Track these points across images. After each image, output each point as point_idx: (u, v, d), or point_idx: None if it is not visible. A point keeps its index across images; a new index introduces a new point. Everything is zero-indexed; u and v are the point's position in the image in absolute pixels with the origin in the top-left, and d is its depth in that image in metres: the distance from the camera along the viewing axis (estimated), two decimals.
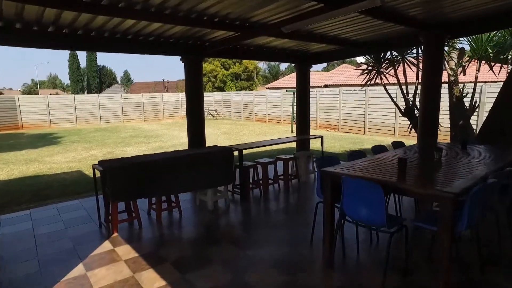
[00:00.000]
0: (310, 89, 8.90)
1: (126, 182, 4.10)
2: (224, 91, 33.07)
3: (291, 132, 16.30)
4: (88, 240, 4.04)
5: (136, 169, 4.17)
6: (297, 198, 5.70)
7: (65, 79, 68.89)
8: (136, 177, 4.17)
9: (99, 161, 4.33)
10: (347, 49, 7.20)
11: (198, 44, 6.19)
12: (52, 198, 6.03)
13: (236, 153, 5.47)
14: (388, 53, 7.40)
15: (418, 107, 7.10)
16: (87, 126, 23.06)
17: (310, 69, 8.57)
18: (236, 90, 33.18)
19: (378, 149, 4.98)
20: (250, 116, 23.85)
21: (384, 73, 7.71)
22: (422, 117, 5.64)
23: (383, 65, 7.59)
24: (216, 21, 4.69)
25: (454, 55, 6.98)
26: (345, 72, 26.16)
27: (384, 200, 2.63)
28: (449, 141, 7.07)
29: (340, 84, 21.54)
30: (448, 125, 7.20)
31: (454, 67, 6.99)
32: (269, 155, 9.73)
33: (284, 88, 23.38)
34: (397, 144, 5.23)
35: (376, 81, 7.87)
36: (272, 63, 49.36)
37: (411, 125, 7.41)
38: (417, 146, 5.21)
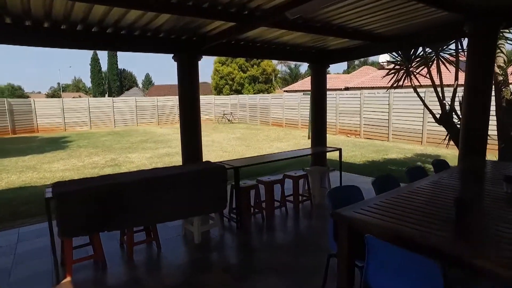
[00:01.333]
0: (329, 92, 7.82)
1: (80, 212, 3.19)
2: (242, 94, 32.23)
3: (308, 138, 15.17)
4: (32, 286, 3.15)
5: (95, 195, 3.25)
6: (307, 227, 4.65)
7: (88, 82, 70.14)
8: (94, 205, 3.25)
9: (53, 184, 3.44)
10: (370, 45, 6.10)
11: (194, 40, 5.27)
12: (23, 218, 5.23)
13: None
14: (420, 49, 6.22)
15: (458, 113, 5.91)
16: (101, 129, 22.72)
17: (328, 70, 7.50)
18: (254, 93, 32.27)
19: (439, 166, 3.87)
20: (267, 120, 22.85)
21: (415, 73, 6.54)
22: (465, 127, 4.47)
23: (413, 64, 6.42)
24: (207, 7, 3.74)
25: (504, 49, 5.73)
26: (367, 74, 24.76)
27: (441, 280, 1.55)
28: (497, 156, 5.81)
29: (362, 87, 20.22)
30: (495, 135, 5.93)
31: (503, 64, 5.75)
32: (277, 167, 8.67)
33: (303, 91, 22.25)
34: (439, 165, 4.04)
35: (405, 82, 6.71)
36: (292, 65, 48.17)
37: (448, 135, 6.20)
38: (465, 167, 4.05)
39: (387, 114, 14.27)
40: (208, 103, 27.23)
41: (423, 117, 12.76)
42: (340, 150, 5.72)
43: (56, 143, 15.84)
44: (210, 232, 4.30)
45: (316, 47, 6.68)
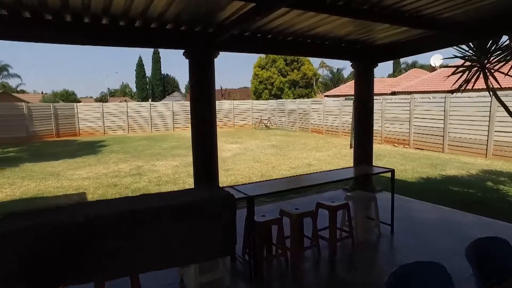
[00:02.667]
0: (374, 97, 6.52)
1: (24, 259, 2.29)
2: (281, 98, 31.15)
3: (351, 147, 13.71)
4: None
5: (48, 236, 2.35)
6: (348, 275, 3.46)
7: (134, 87, 73.18)
8: (47, 250, 2.34)
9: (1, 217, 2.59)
10: (433, 36, 4.77)
11: (209, 33, 4.31)
12: None
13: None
14: (504, 38, 4.77)
15: None
16: (138, 134, 22.77)
17: (374, 70, 6.23)
18: (294, 98, 31.04)
19: None
20: (306, 126, 21.56)
21: (492, 71, 5.08)
22: None
23: (491, 59, 4.97)
24: None
25: None
26: (416, 77, 22.60)
27: None
28: None
29: (411, 91, 18.29)
30: None
31: None
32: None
33: (344, 96, 20.71)
34: None
35: (473, 83, 5.27)
36: (334, 69, 46.29)
37: None
38: None
39: (442, 122, 12.46)
40: (246, 108, 26.49)
41: (488, 125, 10.86)
42: (392, 172, 4.43)
43: (91, 147, 15.81)
44: (213, 282, 3.25)
45: (361, 42, 5.45)
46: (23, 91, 61.59)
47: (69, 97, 66.72)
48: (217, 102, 23.83)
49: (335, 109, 18.57)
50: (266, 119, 25.27)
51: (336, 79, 44.10)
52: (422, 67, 38.38)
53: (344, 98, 17.17)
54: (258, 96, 34.04)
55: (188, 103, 26.60)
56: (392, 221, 4.35)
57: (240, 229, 3.20)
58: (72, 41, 3.96)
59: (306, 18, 4.04)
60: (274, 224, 3.43)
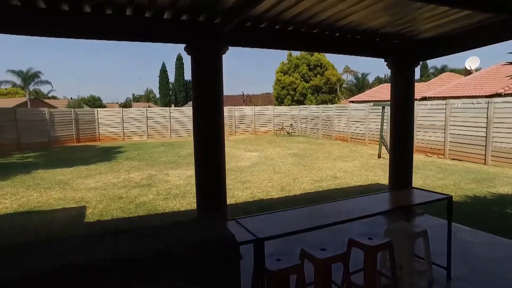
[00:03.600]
0: None
1: None
2: (304, 104, 30.19)
3: (379, 157, 12.60)
4: None
5: None
6: None
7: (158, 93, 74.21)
8: None
9: None
10: (497, 24, 3.79)
11: (215, 24, 3.53)
12: None
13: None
14: None
15: None
16: (157, 140, 22.42)
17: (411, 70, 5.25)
18: (317, 104, 29.98)
19: None
20: (330, 133, 20.49)
21: None
22: None
23: None
24: None
25: None
26: (448, 82, 21.09)
27: None
28: None
29: (444, 96, 16.93)
30: None
31: None
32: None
33: (370, 101, 19.53)
34: None
35: None
36: (359, 73, 44.79)
37: None
38: None
39: (484, 130, 11.16)
40: (267, 114, 25.70)
41: None
42: (449, 199, 3.42)
43: (107, 154, 15.46)
44: None
45: (400, 35, 4.52)
46: (54, 97, 63.66)
47: (95, 102, 68.38)
48: (237, 108, 23.29)
49: (361, 115, 17.44)
50: (288, 126, 24.36)
51: (361, 84, 42.61)
52: (453, 71, 36.29)
53: (372, 103, 16.03)
54: (280, 102, 33.21)
55: None
56: (448, 262, 3.35)
57: (246, 277, 2.35)
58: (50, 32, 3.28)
59: (333, 3, 3.18)
60: (292, 273, 2.55)
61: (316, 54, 32.12)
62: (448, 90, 17.90)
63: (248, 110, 25.79)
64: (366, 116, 16.95)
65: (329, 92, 32.29)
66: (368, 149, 15.21)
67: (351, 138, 18.26)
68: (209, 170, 3.74)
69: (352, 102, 25.80)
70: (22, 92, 50.57)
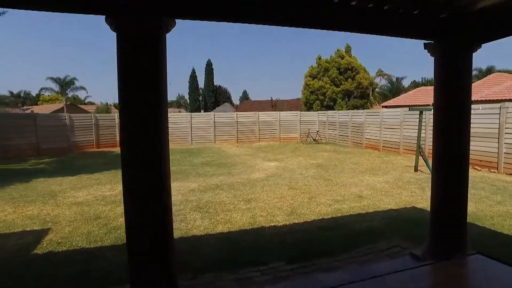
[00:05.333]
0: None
1: None
2: (334, 110, 28.41)
3: (415, 170, 10.79)
4: None
5: None
6: None
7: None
8: None
9: None
10: None
11: None
12: None
13: None
14: None
15: None
16: (177, 146, 21.61)
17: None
18: (347, 109, 28.09)
19: None
20: (360, 141, 18.70)
21: None
22: None
23: None
24: None
25: None
26: (498, 83, 18.61)
27: None
28: None
29: (496, 99, 14.70)
30: None
31: None
32: (355, 233, 5.02)
33: (405, 106, 17.55)
34: None
35: None
36: (393, 77, 42.06)
37: None
38: None
39: None
40: (293, 120, 24.27)
41: None
42: None
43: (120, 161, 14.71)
44: None
45: (449, 3, 3.04)
46: (91, 103, 65.91)
47: None
48: (261, 113, 21.98)
49: (394, 121, 15.57)
50: (314, 132, 22.74)
51: (396, 89, 39.94)
52: (503, 71, 32.81)
53: (408, 108, 14.15)
54: (309, 107, 31.62)
55: (231, 114, 25.11)
56: None
57: None
58: None
59: None
60: None
61: (347, 57, 30.31)
62: (502, 92, 15.59)
63: (272, 115, 24.52)
64: (401, 122, 15.06)
65: (361, 97, 30.26)
66: (403, 160, 13.35)
67: (383, 146, 16.39)
68: (144, 200, 2.47)
69: (385, 107, 23.75)
70: (62, 98, 52.44)
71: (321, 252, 4.20)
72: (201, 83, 69.23)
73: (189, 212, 6.38)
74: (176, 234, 5.15)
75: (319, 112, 25.36)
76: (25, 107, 57.51)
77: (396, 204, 6.76)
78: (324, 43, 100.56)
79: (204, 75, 68.16)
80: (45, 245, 4.74)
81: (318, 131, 22.84)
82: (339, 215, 5.98)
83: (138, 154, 2.46)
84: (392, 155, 14.83)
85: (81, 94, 60.45)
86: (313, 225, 5.41)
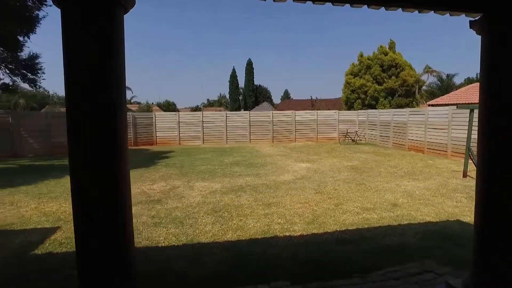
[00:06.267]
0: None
1: None
2: (376, 109, 26.89)
3: (464, 176, 9.59)
4: None
5: None
6: None
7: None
8: None
9: None
10: None
11: None
12: None
13: None
14: None
15: None
16: (211, 145, 21.61)
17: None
18: (390, 109, 26.43)
19: None
20: (402, 142, 17.37)
21: None
22: None
23: None
24: None
25: None
26: None
27: None
28: None
29: None
30: None
31: None
32: (378, 249, 4.29)
33: (453, 105, 15.97)
34: None
35: None
36: (443, 74, 39.05)
37: None
38: None
39: None
40: (331, 120, 23.29)
41: None
42: None
43: (152, 159, 14.86)
44: None
45: None
46: (138, 103, 68.90)
47: (169, 107, 72.49)
48: (297, 112, 21.34)
49: (441, 121, 14.17)
50: (353, 133, 21.59)
51: (446, 86, 37.05)
52: None
53: (456, 107, 12.78)
54: (350, 106, 30.28)
55: (267, 112, 24.63)
56: None
57: None
58: None
59: None
60: None
61: (391, 53, 28.58)
62: None
63: (310, 114, 23.72)
64: (449, 122, 13.66)
65: (406, 95, 28.36)
66: (450, 163, 12.05)
67: (428, 148, 15.01)
68: (97, 215, 2.06)
69: (432, 105, 21.97)
70: None
71: (336, 272, 3.59)
72: (241, 83, 69.65)
73: (202, 216, 5.99)
74: (181, 239, 4.80)
75: (358, 111, 24.11)
76: None
77: (436, 215, 5.88)
78: (366, 40, 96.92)
79: (245, 74, 68.44)
80: (47, 245, 4.58)
81: (356, 131, 21.67)
82: (366, 226, 5.26)
83: (85, 161, 2.04)
84: (438, 158, 13.49)
85: (127, 94, 63.24)
86: (334, 237, 4.77)
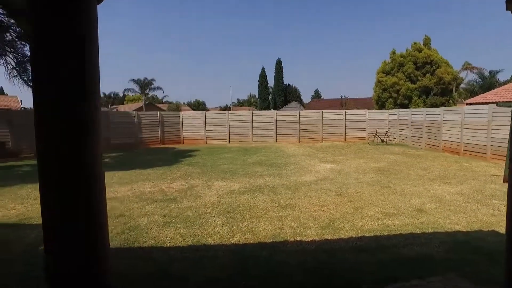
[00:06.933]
0: None
1: None
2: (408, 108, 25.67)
3: (505, 181, 8.76)
4: None
5: None
6: None
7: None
8: None
9: None
10: None
11: None
12: None
13: None
14: None
15: None
16: (237, 144, 21.55)
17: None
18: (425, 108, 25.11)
19: None
20: (435, 143, 16.39)
21: None
22: None
23: None
24: None
25: None
26: None
27: None
28: None
29: None
30: None
31: None
32: (398, 259, 3.88)
33: (493, 103, 14.81)
34: None
35: None
36: (485, 71, 36.61)
37: None
38: None
39: None
40: (360, 119, 22.49)
41: None
42: None
43: (176, 157, 15.00)
44: None
45: None
46: (169, 102, 70.59)
47: (199, 106, 73.67)
48: (325, 111, 20.89)
49: (480, 120, 13.16)
50: (383, 133, 20.71)
51: (488, 84, 34.73)
52: None
53: (495, 104, 11.82)
54: (381, 105, 29.20)
55: (293, 112, 24.22)
56: None
57: None
58: None
59: None
60: None
61: (425, 49, 27.18)
62: None
63: (338, 114, 23.05)
64: (489, 121, 12.66)
65: (442, 93, 26.89)
66: (489, 167, 11.13)
67: (464, 150, 14.03)
68: (71, 207, 1.90)
69: (470, 104, 20.61)
70: (142, 98, 56.94)
71: (344, 283, 3.27)
72: (270, 82, 69.40)
73: (214, 217, 5.82)
74: (188, 240, 4.65)
75: (389, 110, 23.11)
76: (113, 106, 63.92)
77: (467, 224, 5.33)
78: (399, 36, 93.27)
79: (274, 74, 68.12)
80: None
81: (386, 132, 20.75)
82: (385, 233, 4.85)
83: (53, 167, 1.89)
84: (475, 161, 12.55)
85: (158, 94, 64.98)
86: (348, 244, 4.42)
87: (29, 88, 14.56)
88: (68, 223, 1.93)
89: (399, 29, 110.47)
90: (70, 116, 1.84)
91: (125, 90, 57.69)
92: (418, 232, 4.91)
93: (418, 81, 27.12)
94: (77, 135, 1.87)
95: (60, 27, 1.80)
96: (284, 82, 69.63)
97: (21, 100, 39.46)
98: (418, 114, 18.49)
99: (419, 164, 11.83)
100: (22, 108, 34.81)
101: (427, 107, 25.35)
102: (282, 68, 67.97)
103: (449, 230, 5.02)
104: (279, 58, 69.50)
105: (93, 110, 1.91)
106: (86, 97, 1.88)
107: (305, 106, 57.11)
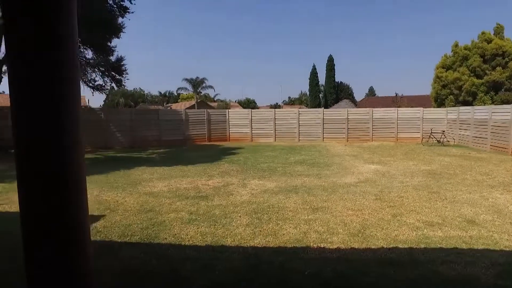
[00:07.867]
0: None
1: None
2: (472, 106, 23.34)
3: None
4: None
5: None
6: None
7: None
8: None
9: None
10: None
11: None
12: None
13: None
14: None
15: None
16: (283, 142, 21.30)
17: None
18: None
19: None
20: (503, 144, 14.66)
21: None
22: None
23: None
24: None
25: None
26: None
27: None
28: None
29: None
30: None
31: None
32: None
33: None
34: None
35: None
36: None
37: None
38: None
39: None
40: (414, 118, 20.96)
41: None
42: None
43: (219, 155, 15.17)
44: None
45: None
46: (221, 100, 72.50)
47: (249, 104, 74.40)
48: (375, 110, 19.89)
49: None
50: (439, 132, 19.05)
51: None
52: None
53: None
54: (440, 103, 26.99)
55: (340, 110, 23.32)
56: None
57: None
58: None
59: None
60: None
61: (496, 39, 24.46)
62: None
63: (389, 112, 21.72)
64: None
65: None
66: None
67: None
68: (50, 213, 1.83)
69: None
70: (195, 96, 59.06)
71: None
72: (322, 80, 67.93)
73: (239, 216, 5.67)
74: (206, 240, 4.56)
75: (448, 108, 21.23)
76: (168, 105, 67.16)
77: None
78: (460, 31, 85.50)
79: (325, 71, 66.56)
80: None
81: (443, 131, 19.04)
82: (423, 246, 4.30)
83: (32, 163, 1.82)
84: None
85: (210, 92, 66.78)
86: (376, 256, 3.98)
87: None
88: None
89: (463, 20, 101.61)
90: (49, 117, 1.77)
91: (178, 89, 60.20)
92: (464, 247, 4.28)
93: (486, 76, 24.56)
94: (53, 132, 1.79)
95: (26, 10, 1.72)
96: (337, 80, 67.79)
97: None
98: (482, 112, 16.70)
99: (478, 168, 10.61)
100: None
101: (496, 104, 22.82)
102: (334, 65, 66.12)
103: (506, 248, 4.30)
104: (330, 55, 67.61)
105: (72, 108, 1.83)
106: (65, 92, 1.79)
107: (357, 104, 54.89)
